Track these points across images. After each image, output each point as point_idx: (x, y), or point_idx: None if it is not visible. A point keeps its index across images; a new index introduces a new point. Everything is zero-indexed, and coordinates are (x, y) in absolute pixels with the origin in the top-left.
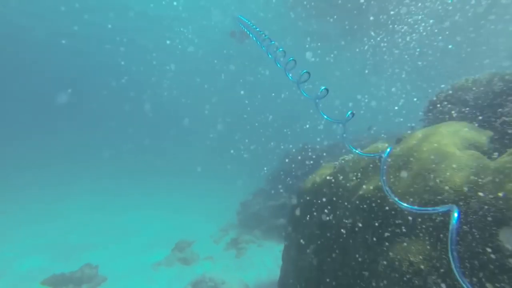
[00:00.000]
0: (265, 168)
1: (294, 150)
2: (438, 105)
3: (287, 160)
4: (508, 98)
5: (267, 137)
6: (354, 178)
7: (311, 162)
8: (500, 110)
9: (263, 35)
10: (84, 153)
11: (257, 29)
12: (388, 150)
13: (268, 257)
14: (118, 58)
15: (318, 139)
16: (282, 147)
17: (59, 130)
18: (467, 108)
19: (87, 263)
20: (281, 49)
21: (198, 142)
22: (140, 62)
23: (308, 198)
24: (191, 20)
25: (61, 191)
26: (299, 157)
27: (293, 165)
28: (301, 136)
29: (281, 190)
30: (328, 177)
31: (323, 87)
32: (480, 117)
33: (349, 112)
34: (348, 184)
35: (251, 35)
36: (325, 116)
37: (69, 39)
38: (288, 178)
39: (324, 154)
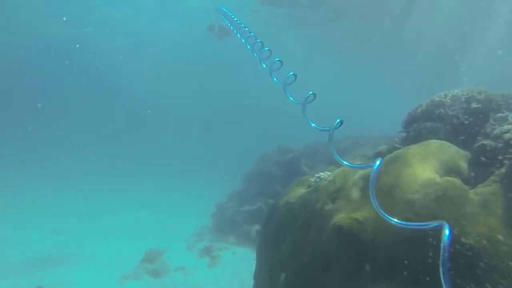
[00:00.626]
0: (243, 167)
1: (270, 150)
2: (417, 121)
3: (262, 161)
4: (487, 118)
5: (248, 134)
6: (329, 201)
7: (288, 163)
8: (479, 130)
9: (248, 31)
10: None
11: (241, 25)
12: (379, 162)
13: (242, 266)
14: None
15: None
16: (260, 145)
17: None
18: (447, 126)
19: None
20: (266, 48)
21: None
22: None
23: (279, 219)
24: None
25: (25, 194)
26: (276, 159)
27: (270, 168)
28: (282, 133)
29: (257, 194)
30: (301, 198)
31: (310, 92)
32: (460, 137)
33: (338, 120)
34: (322, 208)
35: (234, 31)
36: (313, 124)
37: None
38: (264, 181)
39: (302, 155)
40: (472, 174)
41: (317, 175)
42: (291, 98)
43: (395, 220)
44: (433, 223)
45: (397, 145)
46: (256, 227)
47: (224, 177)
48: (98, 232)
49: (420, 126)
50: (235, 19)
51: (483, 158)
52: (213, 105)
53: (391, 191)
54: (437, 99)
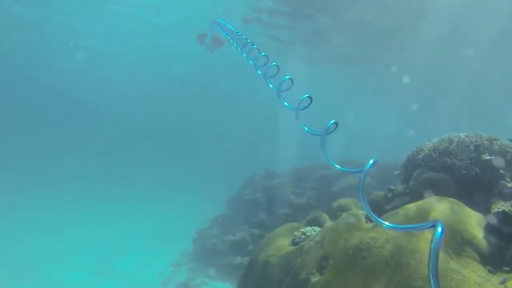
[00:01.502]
0: (231, 188)
1: (256, 175)
2: (418, 167)
3: (248, 186)
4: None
5: (238, 154)
6: (315, 271)
7: (274, 190)
8: (493, 186)
9: (245, 38)
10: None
11: (238, 33)
12: (372, 161)
13: None
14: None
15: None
16: (249, 166)
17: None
18: (454, 179)
19: None
20: (263, 54)
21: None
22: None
23: (257, 283)
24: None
25: None
26: (262, 184)
27: (256, 194)
28: (271, 154)
29: (241, 221)
30: (283, 259)
31: (306, 95)
32: (469, 192)
33: (331, 122)
34: (307, 280)
35: (231, 40)
36: (306, 129)
37: None
38: (249, 208)
39: (289, 181)
40: (490, 248)
41: (302, 230)
42: (286, 104)
43: (386, 223)
44: (426, 224)
45: (395, 193)
46: (238, 259)
47: (210, 197)
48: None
49: (423, 177)
50: (233, 28)
51: (506, 228)
52: (202, 122)
53: (396, 268)
54: (441, 146)
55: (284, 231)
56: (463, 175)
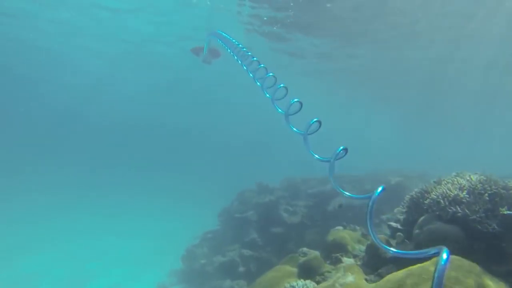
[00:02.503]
0: (226, 198)
1: (248, 190)
2: (423, 212)
3: (240, 202)
4: None
5: (235, 161)
6: None
7: (266, 207)
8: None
9: (246, 51)
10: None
11: (239, 45)
12: (380, 189)
13: None
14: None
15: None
16: (244, 178)
17: None
18: (466, 232)
19: None
20: (262, 66)
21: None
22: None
23: None
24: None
25: None
26: (254, 200)
27: (247, 212)
28: (265, 165)
29: (231, 240)
30: None
31: (315, 119)
32: (484, 250)
33: (340, 148)
34: None
35: (232, 54)
36: (316, 156)
37: None
38: (240, 226)
39: (281, 198)
40: None
41: (293, 284)
42: (294, 129)
43: (392, 249)
44: (431, 250)
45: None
46: (228, 283)
47: (205, 206)
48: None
49: (430, 227)
50: (233, 40)
51: None
52: (201, 129)
53: None
54: (451, 193)
55: (275, 278)
56: (478, 230)
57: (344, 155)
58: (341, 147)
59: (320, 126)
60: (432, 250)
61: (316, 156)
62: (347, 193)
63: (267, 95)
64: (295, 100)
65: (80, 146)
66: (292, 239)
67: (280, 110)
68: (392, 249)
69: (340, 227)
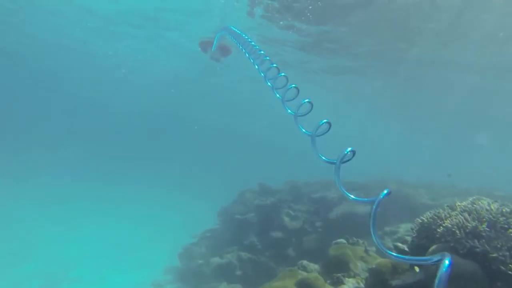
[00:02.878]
0: (228, 195)
1: (249, 190)
2: (434, 241)
3: (240, 202)
4: None
5: (238, 161)
6: None
7: (267, 210)
8: None
9: (258, 49)
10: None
11: (252, 43)
12: (386, 192)
13: None
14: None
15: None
16: (247, 175)
17: None
18: (486, 271)
19: None
20: (274, 65)
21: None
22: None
23: None
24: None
25: None
26: (255, 202)
27: (248, 214)
28: (270, 163)
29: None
30: None
31: (324, 120)
32: None
33: (348, 149)
34: None
35: (244, 52)
36: (323, 158)
37: None
38: (239, 228)
39: (283, 201)
40: None
41: None
42: (303, 130)
43: (394, 254)
44: (434, 258)
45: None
46: (224, 286)
47: (209, 199)
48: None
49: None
50: (246, 37)
51: None
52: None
53: None
54: (468, 224)
55: None
56: (500, 270)
57: (352, 157)
58: (349, 149)
59: (330, 128)
60: (435, 258)
61: (323, 157)
62: (352, 195)
63: (277, 95)
64: (306, 100)
65: (90, 136)
66: (292, 244)
67: (290, 111)
68: (394, 253)
69: (343, 240)
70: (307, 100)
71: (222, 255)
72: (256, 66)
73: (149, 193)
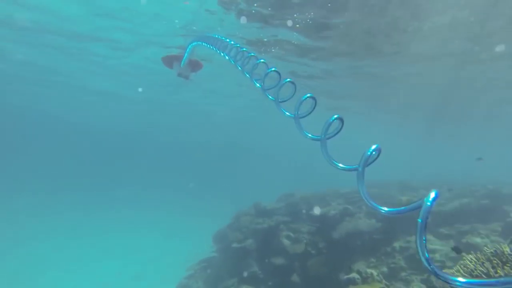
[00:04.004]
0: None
1: (244, 212)
2: None
3: (236, 227)
4: None
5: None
6: None
7: (265, 234)
8: None
9: (240, 48)
10: None
11: (231, 42)
12: (434, 194)
13: None
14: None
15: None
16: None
17: None
18: None
19: None
20: (261, 60)
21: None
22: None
23: None
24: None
25: None
26: (251, 226)
27: (245, 241)
28: (266, 179)
29: (229, 273)
30: None
31: (335, 116)
32: None
33: (372, 148)
34: None
35: (224, 55)
36: (340, 165)
37: None
38: (237, 257)
39: (281, 223)
40: None
41: None
42: (309, 135)
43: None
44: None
45: None
46: None
47: (211, 217)
48: None
49: None
50: (222, 38)
51: None
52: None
53: None
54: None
55: None
56: None
57: (377, 158)
58: (374, 147)
59: (342, 126)
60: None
61: (340, 165)
62: (384, 208)
63: (270, 97)
64: (308, 95)
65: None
66: (295, 270)
67: (287, 113)
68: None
69: (355, 275)
70: (308, 94)
71: None
72: (239, 67)
73: (136, 219)
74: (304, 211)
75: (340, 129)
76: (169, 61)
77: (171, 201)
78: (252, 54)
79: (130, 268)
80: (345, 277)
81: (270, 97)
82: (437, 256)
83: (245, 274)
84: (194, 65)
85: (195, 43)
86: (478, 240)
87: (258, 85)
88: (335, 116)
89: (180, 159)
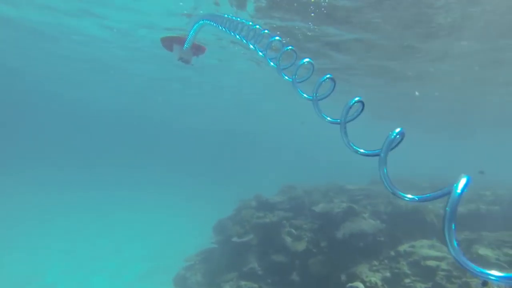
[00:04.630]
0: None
1: (246, 205)
2: None
3: (237, 220)
4: None
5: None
6: None
7: (267, 229)
8: None
9: (252, 26)
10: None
11: (240, 20)
12: (466, 180)
13: None
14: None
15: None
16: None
17: None
18: None
19: None
20: (276, 38)
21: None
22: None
23: None
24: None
25: None
26: (252, 220)
27: (246, 236)
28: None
29: (228, 267)
30: None
31: (356, 98)
32: None
33: (396, 131)
34: None
35: (232, 33)
36: (360, 151)
37: None
38: (237, 252)
39: (284, 218)
40: None
41: None
42: (328, 118)
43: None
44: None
45: None
46: None
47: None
48: None
49: None
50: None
51: None
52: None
53: None
54: None
55: None
56: None
57: (400, 142)
58: (398, 130)
59: (363, 109)
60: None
61: (361, 150)
62: (409, 195)
63: (286, 77)
64: (327, 76)
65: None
66: (295, 268)
67: (305, 96)
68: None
69: (360, 285)
70: (328, 75)
71: (220, 285)
72: (251, 45)
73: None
74: (307, 206)
75: (361, 111)
76: (169, 43)
77: (177, 184)
78: (266, 31)
79: (128, 248)
80: (349, 285)
81: (286, 77)
82: (443, 265)
83: (245, 269)
84: (197, 49)
85: (202, 21)
86: (488, 252)
87: (272, 64)
88: (356, 98)
89: (189, 146)
